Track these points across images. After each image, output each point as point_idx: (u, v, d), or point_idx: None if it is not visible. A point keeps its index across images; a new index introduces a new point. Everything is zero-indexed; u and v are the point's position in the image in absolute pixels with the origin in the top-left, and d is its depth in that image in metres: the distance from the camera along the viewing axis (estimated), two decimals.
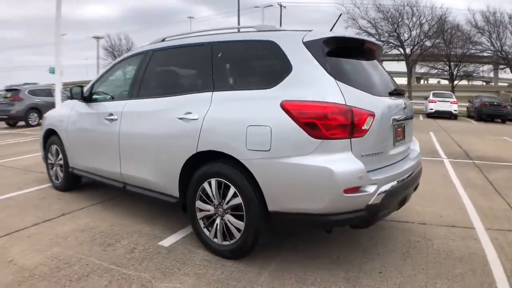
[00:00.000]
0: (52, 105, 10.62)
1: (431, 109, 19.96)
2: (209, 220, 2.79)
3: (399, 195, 2.67)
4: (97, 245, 2.95)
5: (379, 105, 2.55)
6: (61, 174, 4.33)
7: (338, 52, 2.56)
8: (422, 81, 55.87)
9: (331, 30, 2.96)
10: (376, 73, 2.96)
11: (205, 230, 2.83)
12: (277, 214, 2.45)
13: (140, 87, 3.37)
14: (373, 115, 2.42)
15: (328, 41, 2.50)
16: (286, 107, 2.36)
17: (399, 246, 3.03)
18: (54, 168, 4.45)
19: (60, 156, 4.27)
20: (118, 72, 3.83)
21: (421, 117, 19.83)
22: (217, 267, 2.62)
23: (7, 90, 13.87)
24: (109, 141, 3.48)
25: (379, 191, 2.35)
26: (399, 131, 2.87)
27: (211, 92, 2.79)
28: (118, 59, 3.91)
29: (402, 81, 32.29)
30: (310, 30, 2.58)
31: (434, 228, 3.45)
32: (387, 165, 2.64)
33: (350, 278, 2.48)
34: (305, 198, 2.33)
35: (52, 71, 13.05)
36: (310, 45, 2.46)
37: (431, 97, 20.53)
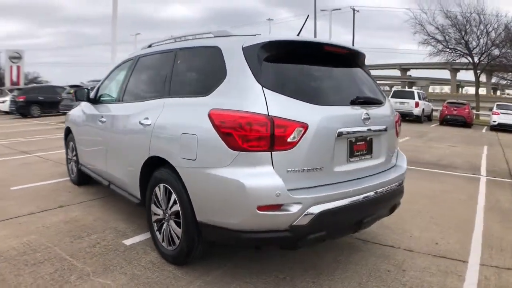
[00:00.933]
0: None
1: (494, 121, 18.06)
2: (160, 223, 2.86)
3: (347, 216, 2.41)
4: (69, 237, 3.21)
5: (318, 115, 2.29)
6: (75, 169, 4.79)
7: (281, 57, 2.40)
8: (498, 92, 49.47)
9: (298, 34, 2.83)
10: (339, 79, 2.72)
11: (157, 233, 2.90)
12: (204, 226, 2.41)
13: (124, 92, 3.60)
14: (304, 126, 2.20)
15: (267, 46, 2.35)
16: (211, 115, 2.31)
17: (361, 273, 2.75)
18: (71, 163, 4.95)
19: (75, 152, 4.73)
20: (116, 75, 4.12)
21: (484, 130, 17.98)
22: (156, 271, 2.67)
23: (70, 86, 15.62)
24: (100, 141, 3.78)
25: (306, 212, 2.14)
26: (361, 145, 2.59)
27: (165, 99, 2.88)
28: (119, 62, 4.19)
29: (476, 91, 29.06)
30: (255, 35, 2.48)
31: (418, 257, 3.05)
32: (331, 183, 2.39)
33: None
34: (223, 212, 2.26)
35: None
36: (247, 51, 2.36)
37: (494, 109, 18.58)
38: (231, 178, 2.16)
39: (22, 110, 16.91)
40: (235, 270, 2.71)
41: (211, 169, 2.28)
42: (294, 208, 2.12)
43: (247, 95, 2.24)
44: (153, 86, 3.23)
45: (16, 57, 30.77)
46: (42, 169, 5.85)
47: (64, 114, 14.61)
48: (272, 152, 2.14)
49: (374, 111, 2.71)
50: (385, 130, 2.78)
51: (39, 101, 17.19)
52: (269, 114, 2.14)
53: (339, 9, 35.39)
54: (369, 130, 2.61)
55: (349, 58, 2.86)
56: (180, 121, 2.57)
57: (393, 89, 24.25)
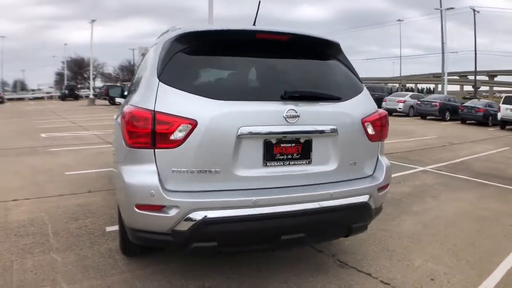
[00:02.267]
0: None
1: None
2: None
3: (252, 230, 2.08)
4: (68, 218, 3.64)
5: (213, 111, 2.05)
6: None
7: (198, 49, 2.24)
8: None
9: (254, 24, 2.65)
10: (271, 71, 2.38)
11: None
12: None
13: (130, 87, 3.90)
14: (192, 123, 2.01)
15: (181, 39, 2.22)
16: (122, 112, 2.35)
17: None
18: None
19: None
20: None
21: None
22: (105, 257, 2.83)
23: None
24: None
25: (186, 217, 1.97)
26: (287, 148, 2.22)
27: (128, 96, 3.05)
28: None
29: None
30: (179, 29, 2.36)
31: None
32: (231, 189, 2.10)
33: None
34: (122, 209, 2.29)
35: None
36: (165, 46, 2.27)
37: None
38: (121, 175, 2.14)
39: None
40: (176, 269, 2.67)
41: (117, 166, 2.33)
42: (173, 212, 1.97)
43: (145, 90, 2.17)
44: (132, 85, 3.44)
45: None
46: (109, 159, 6.74)
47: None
48: (156, 150, 2.02)
49: (312, 108, 2.28)
50: (333, 131, 2.31)
51: None
52: (155, 110, 2.02)
53: (453, 8, 31.09)
54: (300, 131, 2.21)
55: (299, 46, 2.47)
56: (118, 120, 2.70)
57: (504, 95, 20.03)
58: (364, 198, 2.35)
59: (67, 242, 3.06)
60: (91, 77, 47.25)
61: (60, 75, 58.59)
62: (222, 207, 2.01)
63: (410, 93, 23.96)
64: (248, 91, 2.27)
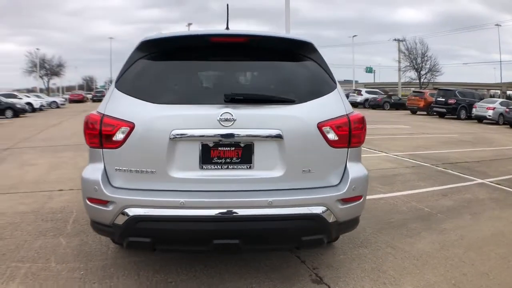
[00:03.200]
0: None
1: None
2: None
3: (188, 230, 2.12)
4: (61, 207, 4.09)
5: (149, 114, 2.17)
6: None
7: (156, 55, 2.37)
8: None
9: (226, 27, 2.70)
10: (223, 73, 2.43)
11: None
12: None
13: None
14: (130, 125, 2.17)
15: (142, 46, 2.37)
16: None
17: None
18: None
19: None
20: None
21: None
22: (101, 242, 3.15)
23: None
24: None
25: (122, 212, 2.13)
26: (225, 151, 2.22)
27: None
28: None
29: None
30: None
31: None
32: (166, 190, 2.19)
33: None
34: None
35: (369, 70, 15.16)
36: (130, 54, 2.43)
37: None
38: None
39: None
40: (152, 262, 2.83)
41: None
42: (111, 206, 2.15)
43: (106, 96, 2.39)
44: None
45: None
46: None
47: None
48: (103, 150, 2.23)
49: (254, 111, 2.22)
50: (278, 136, 2.21)
51: None
52: (104, 113, 2.24)
53: None
54: (236, 134, 2.18)
55: (260, 47, 2.44)
56: None
57: None
58: (316, 210, 2.19)
59: (79, 229, 3.48)
60: None
61: None
62: (153, 206, 2.13)
63: (500, 100, 21.08)
64: (189, 95, 2.32)
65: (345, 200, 2.29)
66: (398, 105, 29.23)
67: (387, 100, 30.11)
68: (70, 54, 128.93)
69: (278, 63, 2.49)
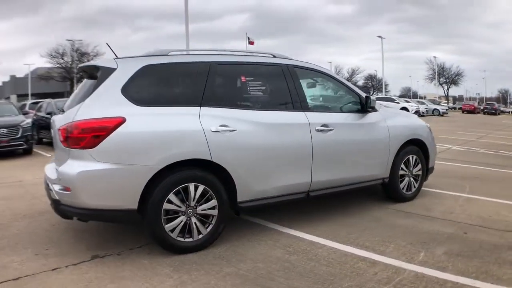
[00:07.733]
0: None
1: None
2: None
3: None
4: None
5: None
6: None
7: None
8: None
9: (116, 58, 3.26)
10: (80, 91, 3.29)
11: None
12: None
13: None
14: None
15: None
16: None
17: None
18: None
19: None
20: None
21: None
22: (40, 230, 3.52)
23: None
24: None
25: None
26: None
27: None
28: None
29: None
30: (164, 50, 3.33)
31: None
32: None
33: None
34: None
35: None
36: None
37: None
38: None
39: None
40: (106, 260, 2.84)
41: None
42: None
43: None
44: None
45: None
46: None
47: None
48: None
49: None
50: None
51: None
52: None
53: None
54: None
55: (91, 73, 3.26)
56: None
57: None
58: None
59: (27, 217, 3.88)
60: None
61: None
62: None
63: None
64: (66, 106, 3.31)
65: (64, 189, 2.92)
66: None
67: None
68: (491, 65, 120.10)
69: (89, 83, 3.25)
